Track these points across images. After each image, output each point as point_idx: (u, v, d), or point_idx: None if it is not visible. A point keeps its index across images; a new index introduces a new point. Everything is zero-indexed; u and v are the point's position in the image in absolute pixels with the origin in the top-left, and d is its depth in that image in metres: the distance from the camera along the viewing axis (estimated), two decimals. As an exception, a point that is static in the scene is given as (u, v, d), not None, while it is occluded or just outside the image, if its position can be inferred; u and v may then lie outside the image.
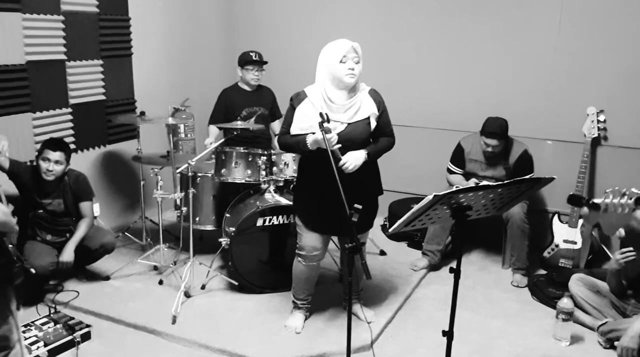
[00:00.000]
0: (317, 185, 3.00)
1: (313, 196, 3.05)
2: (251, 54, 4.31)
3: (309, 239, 3.13)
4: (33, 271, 2.35)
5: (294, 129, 2.98)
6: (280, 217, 3.66)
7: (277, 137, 3.08)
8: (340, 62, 2.83)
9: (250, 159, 3.75)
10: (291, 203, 3.67)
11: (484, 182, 3.98)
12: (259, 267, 3.73)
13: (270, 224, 3.65)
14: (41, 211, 3.64)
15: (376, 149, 3.05)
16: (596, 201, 2.87)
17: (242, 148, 3.79)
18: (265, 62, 4.35)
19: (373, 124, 3.02)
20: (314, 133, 2.84)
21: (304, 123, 2.93)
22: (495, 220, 3.94)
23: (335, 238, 3.74)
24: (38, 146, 3.85)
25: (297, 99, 3.00)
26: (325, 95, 2.90)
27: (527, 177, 3.92)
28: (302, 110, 2.95)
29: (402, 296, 3.75)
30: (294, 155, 3.75)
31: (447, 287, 3.81)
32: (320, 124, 2.68)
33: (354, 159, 2.90)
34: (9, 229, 2.11)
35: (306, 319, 3.39)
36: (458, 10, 4.63)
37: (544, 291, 3.78)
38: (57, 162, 3.55)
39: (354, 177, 2.89)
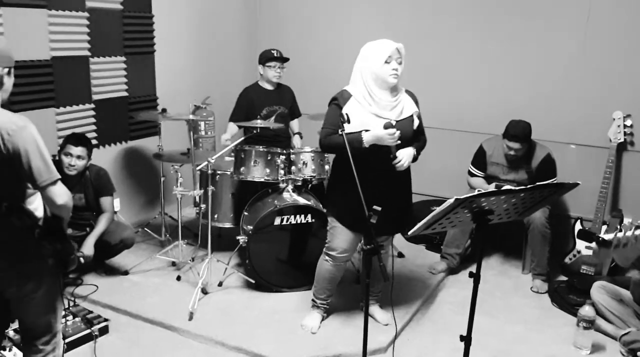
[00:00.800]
0: (353, 182, 2.97)
1: (350, 193, 3.00)
2: (272, 51, 4.31)
3: (341, 239, 3.11)
4: (82, 260, 2.42)
5: (352, 128, 2.91)
6: (297, 216, 3.65)
7: (320, 139, 3.04)
8: (385, 62, 2.84)
9: (269, 158, 3.75)
10: (309, 203, 3.66)
11: (506, 186, 3.91)
12: (276, 266, 3.73)
13: (288, 223, 3.65)
14: (62, 205, 3.67)
15: (420, 147, 3.09)
16: (607, 237, 2.81)
17: (261, 147, 3.79)
18: (287, 59, 4.35)
19: (416, 122, 3.05)
20: (367, 130, 2.85)
21: (354, 121, 2.88)
22: (515, 224, 3.87)
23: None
24: (61, 141, 3.89)
25: (342, 98, 2.96)
26: (372, 94, 2.90)
27: (549, 181, 3.86)
28: (349, 109, 2.90)
29: (420, 299, 3.72)
30: (312, 155, 3.74)
31: (466, 292, 3.76)
32: (340, 124, 2.69)
33: (407, 157, 2.94)
34: (68, 217, 2.18)
35: (323, 319, 3.38)
36: (482, 10, 4.58)
37: (564, 298, 3.72)
38: (79, 157, 3.59)
39: (395, 177, 2.95)
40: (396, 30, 4.88)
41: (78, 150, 3.58)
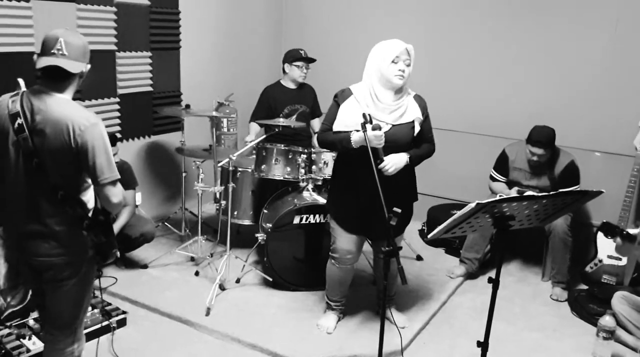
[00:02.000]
0: (354, 185, 2.97)
1: (349, 196, 3.02)
2: (300, 51, 4.31)
3: (343, 241, 3.10)
4: (118, 254, 2.52)
5: (337, 126, 2.95)
6: (317, 216, 3.65)
7: (317, 133, 3.06)
8: (392, 62, 2.80)
9: (290, 157, 3.76)
10: (325, 202, 3.66)
11: (528, 192, 3.88)
12: (293, 264, 3.73)
13: (307, 222, 3.65)
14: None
15: (418, 154, 3.01)
16: (632, 231, 2.74)
17: (282, 145, 3.80)
18: (314, 60, 4.35)
19: (417, 128, 2.98)
20: (358, 130, 2.81)
21: (348, 120, 2.90)
22: (536, 231, 3.84)
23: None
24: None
25: (342, 96, 2.97)
26: (373, 94, 2.86)
27: (572, 188, 3.81)
28: (346, 107, 2.91)
29: (437, 303, 3.69)
30: (334, 154, 3.74)
31: (484, 297, 3.74)
32: (363, 125, 2.66)
33: (395, 162, 2.86)
34: (117, 213, 2.28)
35: (339, 320, 3.38)
36: (508, 11, 4.53)
37: (584, 307, 3.66)
38: None
39: (390, 180, 2.85)
40: (420, 30, 4.87)
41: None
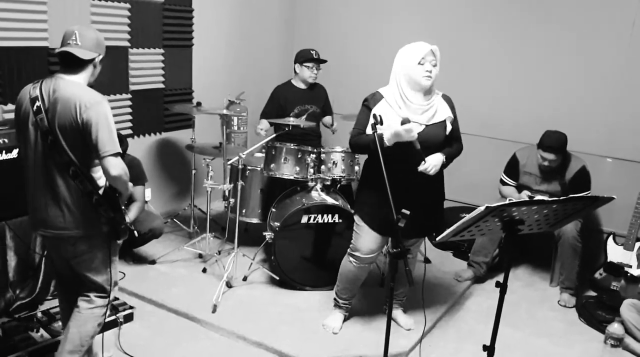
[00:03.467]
0: (383, 183, 2.95)
1: (377, 195, 2.99)
2: (311, 51, 4.31)
3: (366, 240, 3.09)
4: (136, 233, 2.69)
5: (371, 130, 2.93)
6: (325, 216, 3.65)
7: (349, 139, 3.04)
8: (419, 64, 2.81)
9: (299, 156, 3.76)
10: (336, 203, 3.66)
11: (538, 197, 3.86)
12: (300, 263, 3.73)
13: (315, 222, 3.65)
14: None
15: (451, 153, 3.03)
16: (636, 273, 2.72)
17: (292, 144, 3.80)
18: (324, 61, 4.35)
19: (449, 127, 3.00)
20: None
21: (384, 123, 2.84)
22: (546, 236, 3.82)
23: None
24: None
25: (373, 100, 2.95)
26: (404, 96, 2.87)
27: (583, 194, 3.79)
28: (379, 111, 2.87)
29: (444, 306, 3.68)
30: (342, 155, 3.74)
31: (491, 301, 3.72)
32: (373, 126, 2.66)
33: (435, 163, 2.89)
34: (125, 190, 2.42)
35: (345, 319, 3.37)
36: (521, 15, 4.51)
37: (592, 314, 3.64)
38: None
39: (422, 181, 2.90)
40: (433, 33, 4.85)
41: None
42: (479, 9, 4.69)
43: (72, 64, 2.37)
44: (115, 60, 4.16)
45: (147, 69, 4.43)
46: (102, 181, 2.41)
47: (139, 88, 4.39)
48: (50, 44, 3.64)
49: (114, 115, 4.14)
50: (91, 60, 2.39)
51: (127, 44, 4.21)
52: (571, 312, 3.78)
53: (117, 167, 2.28)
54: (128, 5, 4.14)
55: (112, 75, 4.14)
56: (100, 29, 3.91)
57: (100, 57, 2.43)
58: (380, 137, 2.83)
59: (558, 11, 4.36)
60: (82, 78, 2.39)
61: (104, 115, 2.28)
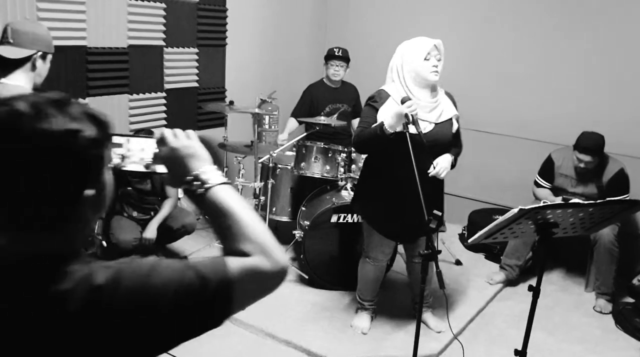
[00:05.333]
0: (385, 186, 2.93)
1: (380, 198, 2.96)
2: (335, 49, 4.32)
3: (376, 241, 3.08)
4: (104, 243, 2.51)
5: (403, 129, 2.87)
6: (355, 215, 3.64)
7: (353, 138, 2.99)
8: (425, 59, 2.77)
9: (330, 155, 3.76)
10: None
11: (574, 200, 3.78)
12: (330, 263, 3.73)
13: (345, 221, 3.65)
14: (130, 188, 3.81)
15: (458, 153, 2.97)
16: None
17: (323, 143, 3.80)
18: (347, 59, 4.34)
19: (455, 125, 2.95)
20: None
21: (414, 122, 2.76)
22: (581, 239, 3.73)
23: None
24: (132, 126, 4.03)
25: (380, 98, 2.88)
26: (410, 94, 2.81)
27: (621, 198, 3.69)
28: (387, 109, 2.83)
29: (475, 308, 3.64)
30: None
31: (523, 305, 3.65)
32: (405, 125, 2.61)
33: (445, 165, 2.84)
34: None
35: (372, 319, 3.36)
36: (556, 9, 4.42)
37: (630, 321, 3.54)
38: None
39: (424, 183, 2.80)
40: (465, 30, 4.80)
41: None
42: (511, 6, 4.61)
43: (7, 65, 2.10)
44: (151, 59, 4.23)
45: (181, 68, 4.49)
46: None
47: (174, 86, 4.46)
48: (89, 43, 3.72)
49: (150, 113, 4.27)
50: (28, 59, 2.11)
51: (162, 43, 4.28)
52: (607, 319, 3.69)
53: None
54: (164, 5, 4.20)
55: (147, 74, 4.21)
56: (136, 28, 4.02)
57: (40, 54, 2.13)
58: (381, 126, 2.71)
59: (595, 5, 4.26)
60: (24, 80, 2.11)
61: None
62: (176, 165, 1.12)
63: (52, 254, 0.92)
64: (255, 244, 1.03)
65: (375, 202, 3.01)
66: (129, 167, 1.24)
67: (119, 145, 1.16)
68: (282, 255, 1.04)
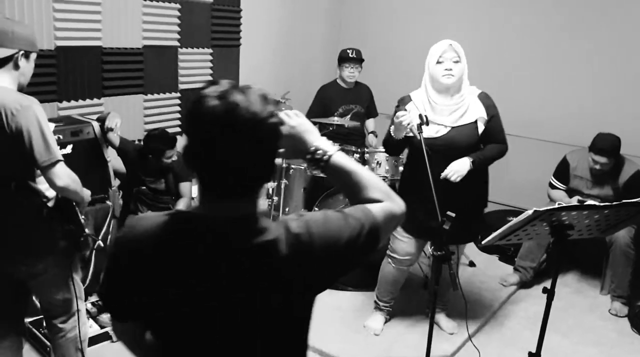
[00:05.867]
0: (418, 187, 2.92)
1: (414, 198, 2.95)
2: (348, 51, 4.32)
3: (403, 243, 3.07)
4: (101, 244, 2.52)
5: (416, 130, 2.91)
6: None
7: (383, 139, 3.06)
8: (437, 62, 2.75)
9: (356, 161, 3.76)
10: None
11: (589, 201, 3.74)
12: (343, 264, 3.72)
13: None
14: (144, 187, 3.84)
15: (483, 156, 2.91)
16: None
17: (337, 144, 3.80)
18: (362, 60, 4.34)
19: (480, 128, 2.89)
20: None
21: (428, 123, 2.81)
22: (596, 241, 3.70)
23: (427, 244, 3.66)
24: (147, 126, 4.06)
25: (402, 102, 2.97)
26: (430, 98, 2.83)
27: (637, 200, 3.64)
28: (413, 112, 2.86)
29: (489, 310, 3.62)
30: (387, 155, 3.71)
31: (537, 307, 3.62)
32: (419, 126, 2.61)
33: (456, 169, 2.81)
34: (79, 199, 2.20)
35: (386, 321, 3.36)
36: (572, 10, 4.38)
37: (645, 324, 3.50)
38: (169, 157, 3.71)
39: (457, 184, 2.81)
40: (480, 29, 4.77)
41: (171, 152, 3.68)
42: (527, 7, 4.58)
43: None
44: (165, 60, 4.25)
45: (196, 68, 4.51)
46: (51, 192, 2.14)
47: (188, 87, 4.48)
48: (104, 43, 3.76)
49: (164, 114, 4.30)
50: (10, 58, 2.05)
51: (176, 43, 4.30)
52: (623, 322, 3.65)
53: (63, 176, 2.03)
54: (178, 6, 4.22)
55: (162, 74, 4.24)
56: (151, 28, 4.04)
57: (22, 52, 2.07)
58: (388, 132, 2.84)
59: (611, 6, 4.22)
60: (7, 80, 2.06)
61: (35, 121, 1.98)
62: (296, 141, 1.31)
63: (249, 215, 1.16)
64: (382, 192, 1.30)
65: (408, 203, 3.00)
66: None
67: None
68: (400, 199, 1.32)
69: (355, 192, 1.30)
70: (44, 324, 2.60)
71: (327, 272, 1.23)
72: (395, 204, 1.31)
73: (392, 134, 2.81)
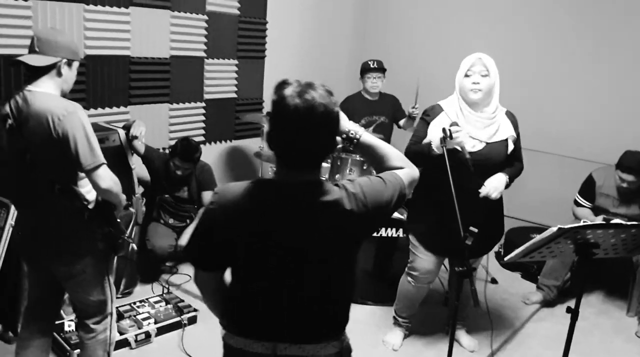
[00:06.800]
0: (438, 202, 2.88)
1: (433, 214, 2.91)
2: (369, 62, 4.32)
3: (423, 261, 3.02)
4: (135, 246, 2.56)
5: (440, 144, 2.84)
6: (388, 229, 3.61)
7: (406, 148, 2.97)
8: (466, 75, 2.72)
9: (364, 168, 3.75)
10: (400, 217, 3.62)
11: (615, 220, 3.67)
12: (362, 277, 3.71)
13: (379, 235, 3.62)
14: (167, 195, 3.88)
15: (513, 173, 2.89)
16: None
17: (357, 156, 3.80)
18: (384, 70, 4.34)
19: (510, 146, 2.85)
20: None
21: (452, 137, 2.67)
22: (623, 261, 3.62)
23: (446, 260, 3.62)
24: (172, 135, 4.11)
25: (433, 113, 2.87)
26: (462, 109, 2.78)
27: (666, 219, 3.57)
28: (438, 124, 2.79)
29: (510, 329, 3.56)
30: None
31: (560, 327, 3.56)
32: (442, 139, 2.56)
33: (496, 186, 2.78)
34: (119, 202, 2.27)
35: (405, 337, 3.32)
36: (601, 25, 4.33)
37: (673, 348, 3.41)
38: (185, 169, 3.74)
39: (478, 200, 2.77)
40: (505, 45, 4.74)
41: (185, 165, 3.71)
42: (554, 23, 4.55)
43: (33, 73, 2.15)
44: (192, 70, 4.31)
45: (221, 79, 4.56)
46: (91, 195, 2.23)
47: (213, 97, 4.53)
48: (132, 53, 3.82)
49: (189, 123, 4.35)
50: (53, 66, 2.15)
51: (203, 54, 4.35)
52: (649, 345, 3.56)
53: (106, 179, 2.12)
54: (205, 17, 4.28)
55: (188, 84, 4.29)
56: (178, 39, 4.10)
57: (64, 61, 2.17)
58: (429, 146, 2.73)
59: (638, 24, 4.17)
60: (51, 87, 2.16)
61: (81, 126, 2.08)
62: None
63: (317, 181, 1.49)
64: (402, 161, 1.65)
65: (426, 219, 2.97)
66: None
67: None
68: (414, 165, 1.66)
69: (382, 163, 1.65)
70: (74, 325, 2.65)
71: (374, 224, 1.61)
72: (413, 169, 1.65)
73: (434, 148, 2.70)
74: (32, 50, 2.16)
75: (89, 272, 2.29)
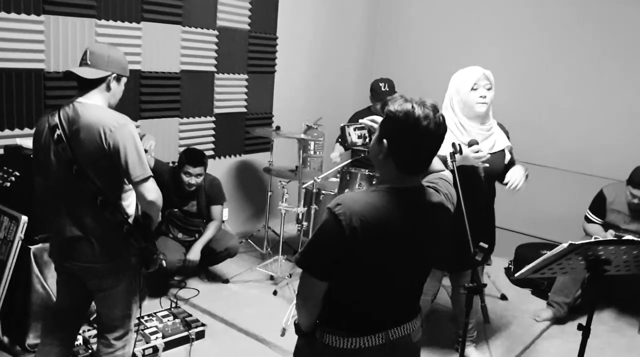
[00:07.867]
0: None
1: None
2: (380, 84, 4.30)
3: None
4: (164, 263, 2.56)
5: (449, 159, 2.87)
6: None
7: None
8: (472, 89, 2.75)
9: (374, 182, 3.75)
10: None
11: (627, 237, 3.63)
12: (371, 292, 3.68)
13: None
14: (176, 210, 3.88)
15: None
16: None
17: (367, 170, 3.80)
18: (394, 91, 4.34)
19: (508, 156, 2.91)
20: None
21: (441, 151, 2.79)
22: (636, 278, 3.58)
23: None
24: (182, 149, 4.13)
25: None
26: (459, 125, 2.80)
27: (679, 236, 3.53)
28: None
29: (521, 345, 3.51)
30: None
31: (571, 345, 3.51)
32: (452, 155, 2.57)
33: (518, 176, 2.78)
34: (158, 216, 2.30)
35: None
36: (611, 42, 4.32)
37: (687, 367, 3.35)
38: (198, 175, 3.76)
39: (476, 212, 2.75)
40: (515, 60, 4.74)
41: (197, 170, 3.74)
42: (568, 40, 4.54)
43: (83, 85, 2.21)
44: (202, 85, 4.34)
45: (231, 93, 4.59)
46: (131, 209, 2.28)
47: (223, 111, 4.55)
48: (143, 67, 3.86)
49: (199, 137, 4.37)
50: (103, 80, 2.21)
51: (213, 69, 4.39)
52: (662, 364, 3.51)
53: (153, 191, 2.17)
54: (216, 32, 4.32)
55: (198, 99, 4.32)
56: (189, 54, 4.14)
57: (114, 75, 2.24)
58: (444, 160, 2.74)
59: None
60: (100, 100, 2.22)
61: (131, 138, 2.13)
62: None
63: (421, 185, 1.69)
64: (441, 165, 1.91)
65: None
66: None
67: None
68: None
69: (431, 166, 1.86)
70: (81, 339, 2.70)
71: (446, 220, 1.75)
72: (447, 171, 1.91)
73: (449, 164, 2.72)
74: (83, 63, 2.21)
75: (121, 286, 2.31)
